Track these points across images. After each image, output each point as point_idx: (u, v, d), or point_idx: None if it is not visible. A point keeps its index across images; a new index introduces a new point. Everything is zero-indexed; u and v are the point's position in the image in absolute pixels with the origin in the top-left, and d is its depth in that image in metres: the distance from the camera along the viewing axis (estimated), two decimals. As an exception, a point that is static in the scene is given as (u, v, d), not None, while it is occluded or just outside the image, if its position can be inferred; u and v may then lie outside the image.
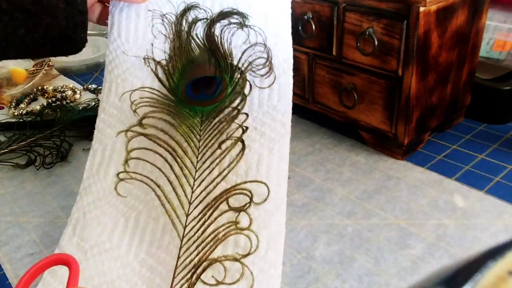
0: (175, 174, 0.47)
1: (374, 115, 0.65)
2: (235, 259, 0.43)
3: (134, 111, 0.50)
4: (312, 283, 0.46)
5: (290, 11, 0.52)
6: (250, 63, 0.50)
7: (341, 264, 0.48)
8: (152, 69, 0.52)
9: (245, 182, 0.46)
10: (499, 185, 0.59)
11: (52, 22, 0.43)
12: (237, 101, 0.49)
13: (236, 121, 0.49)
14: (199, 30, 0.52)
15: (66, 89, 0.90)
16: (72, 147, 0.72)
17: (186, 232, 0.46)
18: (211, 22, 0.52)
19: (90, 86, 0.92)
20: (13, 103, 0.85)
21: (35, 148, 0.71)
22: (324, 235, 0.52)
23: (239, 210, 0.45)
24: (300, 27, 0.69)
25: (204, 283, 0.43)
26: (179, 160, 0.48)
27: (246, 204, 0.45)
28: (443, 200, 0.57)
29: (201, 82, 0.51)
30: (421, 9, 0.55)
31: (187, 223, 0.46)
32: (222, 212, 0.45)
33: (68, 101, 0.86)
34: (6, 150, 0.70)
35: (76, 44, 0.46)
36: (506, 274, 0.16)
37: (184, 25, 0.52)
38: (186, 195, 0.47)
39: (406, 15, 0.56)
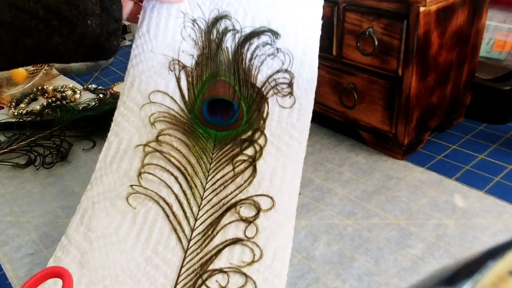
0: (184, 192, 0.48)
1: (374, 115, 0.65)
2: (239, 269, 0.44)
3: (152, 124, 0.50)
4: (312, 283, 0.46)
5: (319, 32, 0.51)
6: (272, 87, 0.51)
7: (341, 264, 0.48)
8: (175, 75, 0.51)
9: (256, 196, 0.47)
10: (499, 185, 0.59)
11: (86, 29, 0.42)
12: (249, 133, 0.50)
13: (247, 150, 0.49)
14: (230, 44, 0.52)
15: (66, 89, 0.90)
16: (72, 147, 0.72)
17: (193, 236, 0.46)
18: (243, 40, 0.52)
19: (90, 86, 0.92)
20: (13, 103, 0.85)
21: (35, 148, 0.71)
22: (324, 235, 0.52)
23: (248, 220, 0.46)
24: (300, 27, 0.69)
25: (208, 287, 0.44)
26: (189, 179, 0.49)
27: (255, 214, 0.46)
28: (443, 200, 0.57)
29: (218, 104, 0.51)
30: (421, 9, 0.55)
31: (194, 227, 0.47)
32: (230, 221, 0.46)
33: (68, 101, 0.86)
34: (6, 150, 0.70)
35: (109, 51, 0.46)
36: (506, 274, 0.16)
37: (215, 35, 0.52)
38: (193, 212, 0.48)
39: (406, 15, 0.56)
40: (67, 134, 0.74)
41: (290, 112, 0.50)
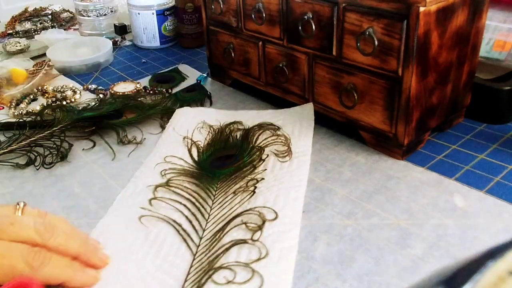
0: (192, 213, 0.55)
1: (374, 115, 0.65)
2: (246, 265, 0.47)
3: (164, 175, 0.62)
4: (312, 283, 0.46)
5: (312, 127, 0.71)
6: (270, 144, 0.67)
7: (341, 264, 0.48)
8: (187, 147, 0.68)
9: (261, 207, 0.54)
10: (499, 185, 0.59)
11: None
12: (250, 168, 0.62)
13: (252, 176, 0.60)
14: (238, 134, 0.70)
15: (66, 89, 0.90)
16: (72, 147, 0.72)
17: (201, 242, 0.50)
18: (249, 129, 0.70)
19: (90, 86, 0.92)
20: (13, 103, 0.85)
21: (35, 148, 0.71)
22: (324, 235, 0.52)
23: (254, 228, 0.51)
24: (300, 27, 0.69)
25: (215, 283, 0.45)
26: (197, 204, 0.56)
27: (261, 224, 0.51)
28: (443, 200, 0.57)
29: (222, 159, 0.65)
30: (421, 9, 0.55)
31: (202, 236, 0.51)
32: (237, 225, 0.52)
33: (68, 101, 0.86)
34: (6, 150, 0.70)
35: None
36: (506, 274, 0.16)
37: (226, 130, 0.71)
38: (201, 226, 0.53)
39: (406, 15, 0.56)
40: (67, 134, 0.74)
41: (290, 163, 0.62)
